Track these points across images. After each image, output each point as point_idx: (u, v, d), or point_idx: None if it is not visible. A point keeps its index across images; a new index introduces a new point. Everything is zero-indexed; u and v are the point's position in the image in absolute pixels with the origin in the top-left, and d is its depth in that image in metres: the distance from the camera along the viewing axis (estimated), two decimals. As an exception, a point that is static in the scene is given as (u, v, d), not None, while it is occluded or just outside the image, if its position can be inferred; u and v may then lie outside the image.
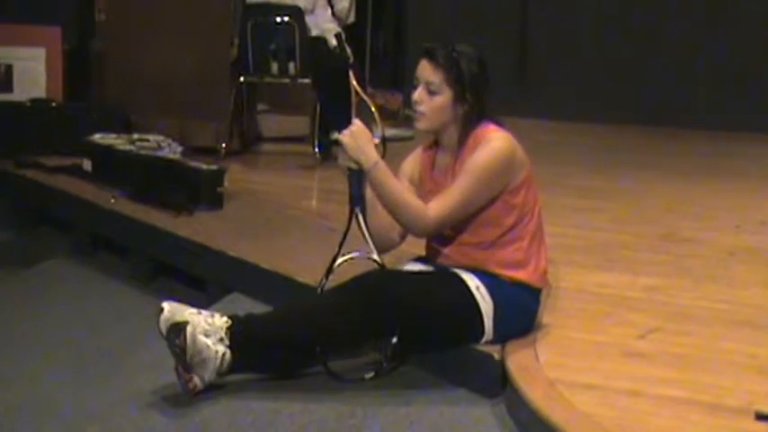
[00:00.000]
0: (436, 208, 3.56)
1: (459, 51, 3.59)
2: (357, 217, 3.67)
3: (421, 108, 3.63)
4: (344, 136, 3.61)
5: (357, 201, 3.67)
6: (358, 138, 3.59)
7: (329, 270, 3.65)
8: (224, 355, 3.44)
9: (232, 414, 3.41)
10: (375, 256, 3.67)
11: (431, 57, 3.59)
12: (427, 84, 3.60)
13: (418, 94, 3.62)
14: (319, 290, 3.64)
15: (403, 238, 3.81)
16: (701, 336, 3.79)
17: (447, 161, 3.72)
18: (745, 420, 2.99)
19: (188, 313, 3.47)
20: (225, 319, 3.50)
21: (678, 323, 3.92)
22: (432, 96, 3.60)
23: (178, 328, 3.41)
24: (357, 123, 3.64)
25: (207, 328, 3.44)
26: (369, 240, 3.68)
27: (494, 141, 3.57)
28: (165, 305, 3.48)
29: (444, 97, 3.59)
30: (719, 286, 4.46)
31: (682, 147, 9.00)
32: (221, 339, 3.44)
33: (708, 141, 9.23)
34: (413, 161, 3.86)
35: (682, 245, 5.21)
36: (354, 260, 3.66)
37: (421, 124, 3.66)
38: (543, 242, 3.73)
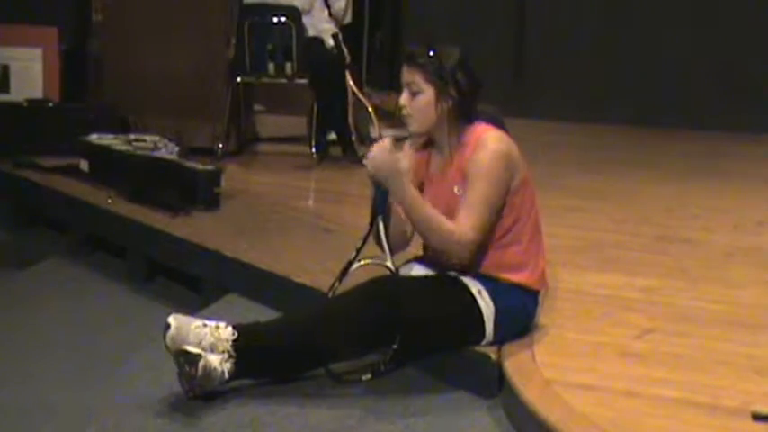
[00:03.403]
0: (471, 226, 3.52)
1: (436, 49, 3.60)
2: (378, 225, 3.66)
3: (406, 111, 3.63)
4: (368, 160, 3.58)
5: (381, 209, 3.66)
6: (380, 167, 3.53)
7: (343, 274, 3.64)
8: (230, 371, 3.44)
9: (230, 416, 3.41)
10: (389, 264, 3.66)
11: (408, 60, 3.62)
12: (409, 85, 3.61)
13: (402, 97, 3.63)
14: (330, 294, 3.63)
15: (410, 238, 3.80)
16: (697, 336, 3.79)
17: (442, 160, 3.71)
18: (742, 421, 3.00)
19: (194, 326, 3.45)
20: (230, 330, 3.48)
21: (675, 323, 3.92)
22: (415, 97, 3.60)
23: (190, 358, 3.39)
24: (381, 146, 3.59)
25: (213, 341, 3.43)
26: (386, 249, 3.66)
27: (489, 143, 3.56)
28: (172, 320, 3.45)
29: (427, 96, 3.59)
30: (716, 287, 4.47)
31: (679, 147, 8.99)
32: (228, 355, 3.44)
33: (705, 142, 9.23)
34: (408, 158, 3.84)
35: (679, 245, 5.22)
36: (366, 266, 3.65)
37: (411, 127, 3.67)
38: (541, 243, 3.73)
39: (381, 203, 3.66)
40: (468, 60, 3.64)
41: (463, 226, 3.52)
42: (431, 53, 3.58)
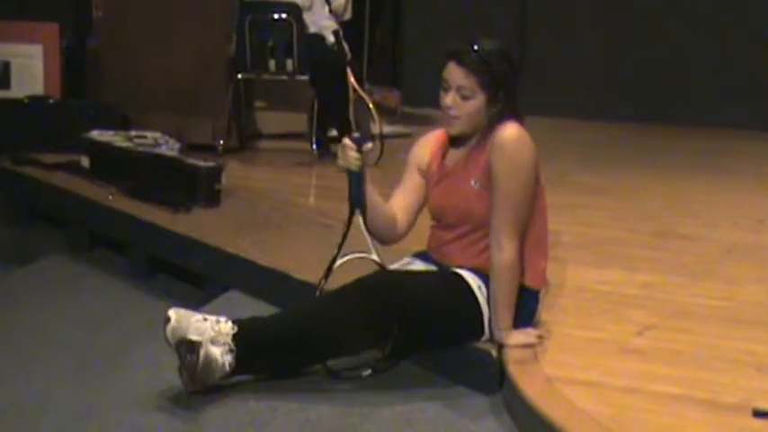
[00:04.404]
0: (502, 239, 3.51)
1: (489, 52, 3.52)
2: (357, 218, 3.66)
3: (454, 112, 3.56)
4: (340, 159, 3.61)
5: (357, 202, 3.66)
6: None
7: (328, 271, 3.64)
8: (230, 364, 3.45)
9: (230, 412, 3.41)
10: (375, 257, 3.65)
11: (460, 61, 3.52)
12: (459, 88, 3.53)
13: (451, 99, 3.55)
14: (318, 291, 3.63)
15: (408, 229, 3.80)
16: (698, 333, 3.79)
17: (461, 153, 3.69)
18: (742, 417, 3.00)
19: (194, 320, 3.45)
20: (230, 324, 3.48)
21: (675, 320, 3.92)
22: (465, 101, 3.54)
23: (192, 346, 3.39)
24: (347, 146, 3.60)
25: (213, 335, 3.43)
26: (369, 241, 3.66)
27: (510, 138, 3.51)
28: (172, 314, 3.45)
29: (478, 101, 3.53)
30: (717, 283, 4.47)
31: (679, 144, 9.00)
32: (228, 348, 3.44)
33: (706, 139, 9.23)
34: (425, 147, 3.80)
35: (679, 242, 5.22)
36: (356, 260, 3.65)
37: (454, 129, 3.61)
38: (545, 245, 3.72)
39: (357, 197, 3.65)
40: (514, 58, 3.60)
41: (506, 252, 3.51)
42: (484, 58, 3.51)
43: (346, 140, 3.62)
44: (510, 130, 3.52)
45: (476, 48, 3.52)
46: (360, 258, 3.65)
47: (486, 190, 3.57)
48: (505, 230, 3.52)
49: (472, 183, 3.61)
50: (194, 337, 3.40)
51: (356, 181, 3.63)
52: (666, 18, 10.00)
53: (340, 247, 3.64)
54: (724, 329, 3.84)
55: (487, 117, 3.56)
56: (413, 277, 3.68)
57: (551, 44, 10.38)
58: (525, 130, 3.56)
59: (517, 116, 3.58)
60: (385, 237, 3.76)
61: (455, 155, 3.71)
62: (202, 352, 3.39)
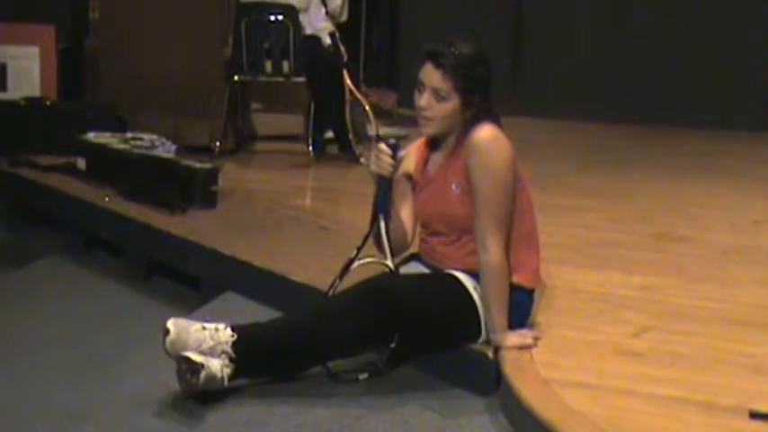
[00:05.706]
0: (494, 246, 3.52)
1: (465, 55, 3.52)
2: (379, 223, 3.66)
3: (429, 113, 3.57)
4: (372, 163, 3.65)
5: (383, 207, 3.66)
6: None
7: (344, 271, 3.64)
8: (229, 377, 3.45)
9: (226, 415, 3.41)
10: (389, 263, 3.66)
11: (437, 63, 3.52)
12: (435, 90, 3.53)
13: (426, 100, 3.56)
14: (331, 291, 3.63)
15: (413, 240, 3.83)
16: (695, 334, 3.79)
17: (440, 158, 3.71)
18: (739, 419, 3.00)
19: (193, 330, 3.45)
20: (229, 332, 3.48)
21: (672, 322, 3.92)
22: (440, 103, 3.54)
23: (193, 367, 3.39)
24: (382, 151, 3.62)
25: (212, 344, 3.43)
26: (386, 247, 3.66)
27: (484, 139, 3.52)
28: (171, 326, 3.45)
29: (453, 103, 3.54)
30: (713, 285, 4.47)
31: (676, 146, 9.00)
32: (228, 358, 3.44)
33: (702, 140, 9.23)
34: (409, 157, 3.81)
35: (676, 244, 5.22)
36: (366, 265, 3.65)
37: (429, 129, 3.62)
38: (536, 243, 3.73)
39: (383, 202, 3.66)
40: (489, 61, 3.59)
41: (491, 253, 3.52)
42: (461, 61, 3.51)
43: (382, 146, 3.64)
44: (483, 132, 3.53)
45: (453, 50, 3.53)
46: (372, 263, 3.65)
47: (466, 193, 3.58)
48: (488, 231, 3.52)
49: (453, 187, 3.62)
50: (196, 358, 3.40)
51: (385, 187, 3.65)
52: (664, 19, 9.99)
53: (359, 250, 3.65)
54: (721, 331, 3.84)
55: (462, 119, 3.57)
56: (410, 279, 3.69)
57: (548, 46, 10.38)
58: (500, 132, 3.57)
59: (494, 118, 3.59)
60: (398, 246, 3.76)
61: (436, 160, 3.73)
62: (203, 374, 3.39)
